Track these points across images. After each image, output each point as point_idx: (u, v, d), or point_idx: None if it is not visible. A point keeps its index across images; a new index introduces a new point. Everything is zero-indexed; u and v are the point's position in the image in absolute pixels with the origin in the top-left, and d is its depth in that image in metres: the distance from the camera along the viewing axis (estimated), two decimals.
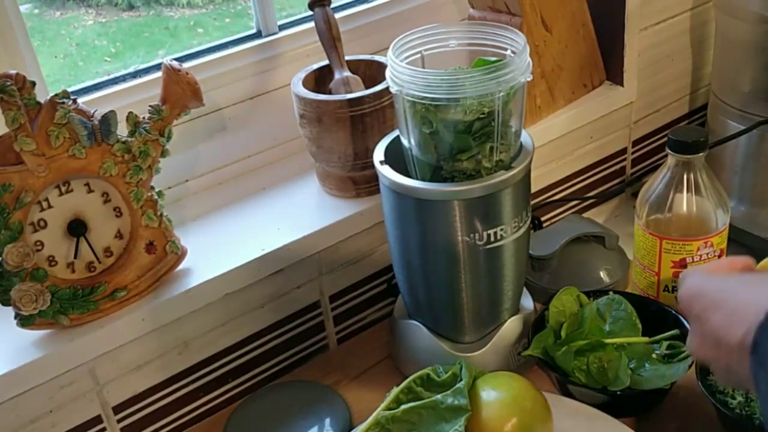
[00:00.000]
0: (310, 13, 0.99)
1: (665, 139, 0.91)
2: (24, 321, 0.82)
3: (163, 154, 0.86)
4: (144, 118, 0.85)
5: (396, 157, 0.85)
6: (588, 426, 0.82)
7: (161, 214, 0.87)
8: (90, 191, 0.83)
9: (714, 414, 0.86)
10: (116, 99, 0.94)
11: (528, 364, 0.92)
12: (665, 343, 0.88)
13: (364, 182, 0.98)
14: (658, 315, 0.91)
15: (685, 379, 0.86)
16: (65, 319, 0.83)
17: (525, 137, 0.85)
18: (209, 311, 0.91)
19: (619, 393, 0.84)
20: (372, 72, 1.00)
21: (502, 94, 0.77)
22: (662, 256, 0.92)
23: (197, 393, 0.96)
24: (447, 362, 0.83)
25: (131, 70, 0.98)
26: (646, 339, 0.88)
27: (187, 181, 1.01)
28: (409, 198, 0.82)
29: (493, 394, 0.78)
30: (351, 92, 0.95)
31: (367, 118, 0.93)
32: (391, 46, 0.81)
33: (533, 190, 1.15)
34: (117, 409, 0.90)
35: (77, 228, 0.83)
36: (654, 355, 0.87)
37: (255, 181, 1.04)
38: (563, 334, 0.89)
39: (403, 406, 0.77)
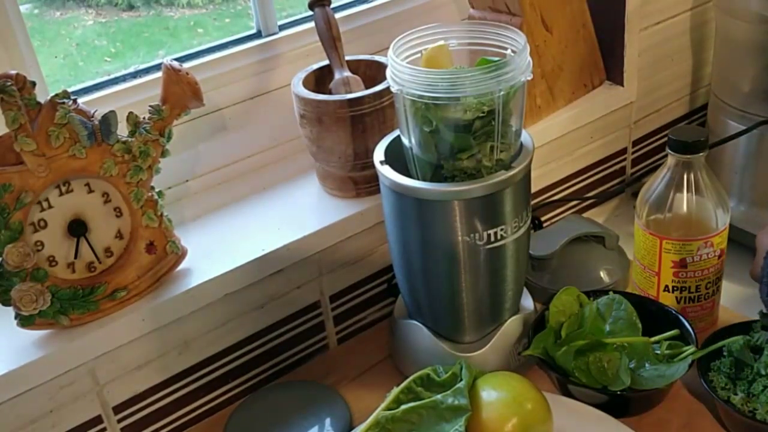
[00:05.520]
0: (310, 13, 0.99)
1: (665, 139, 0.91)
2: (24, 321, 0.82)
3: (164, 154, 0.86)
4: (144, 118, 0.85)
5: (396, 157, 0.85)
6: (588, 426, 0.82)
7: (161, 214, 0.87)
8: (90, 191, 0.83)
9: (714, 413, 0.86)
10: (116, 99, 0.94)
11: (528, 364, 0.92)
12: (665, 343, 0.88)
13: (364, 182, 0.98)
14: (658, 315, 0.91)
15: (686, 379, 0.86)
16: (65, 319, 0.83)
17: (525, 137, 0.85)
18: (209, 311, 0.91)
19: (619, 393, 0.84)
20: (372, 72, 1.00)
21: (502, 93, 0.77)
22: (662, 256, 0.92)
23: (197, 393, 0.96)
24: (447, 362, 0.83)
25: (131, 70, 0.99)
26: (646, 339, 0.88)
27: (187, 181, 1.01)
28: (409, 198, 0.82)
29: (493, 394, 0.78)
30: (351, 92, 0.95)
31: (367, 118, 0.93)
32: (391, 46, 0.81)
33: (533, 190, 1.15)
34: (117, 409, 0.90)
35: (77, 228, 0.83)
36: (654, 355, 0.87)
37: (255, 181, 1.04)
38: (563, 334, 0.89)
39: (403, 406, 0.77)
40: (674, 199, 0.91)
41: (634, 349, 0.87)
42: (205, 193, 1.03)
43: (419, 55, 0.83)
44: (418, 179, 0.83)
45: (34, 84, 0.79)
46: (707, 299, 0.94)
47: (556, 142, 1.13)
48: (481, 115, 0.77)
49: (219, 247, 0.93)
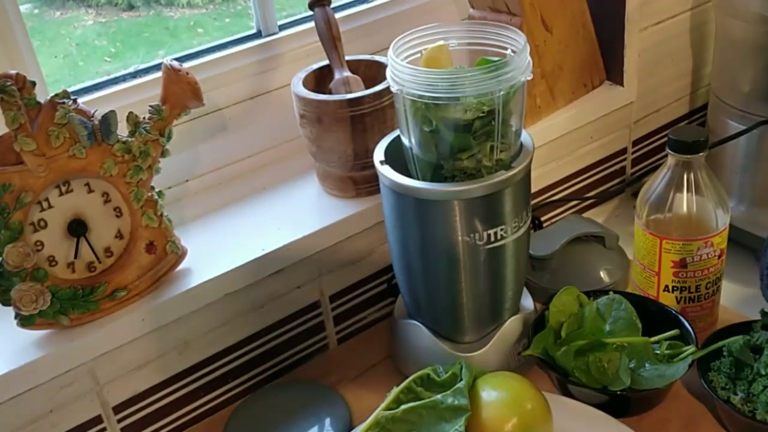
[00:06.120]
0: (310, 13, 0.99)
1: (665, 139, 0.91)
2: (24, 321, 0.82)
3: (164, 154, 0.87)
4: (144, 118, 0.85)
5: (396, 156, 0.85)
6: (588, 426, 0.82)
7: (161, 214, 0.87)
8: (90, 191, 0.83)
9: (714, 413, 0.86)
10: (116, 99, 0.94)
11: (528, 364, 0.92)
12: (665, 343, 0.88)
13: (364, 182, 0.98)
14: (658, 315, 0.91)
15: (686, 379, 0.86)
16: (65, 319, 0.83)
17: (525, 137, 0.85)
18: (209, 311, 0.91)
19: (619, 393, 0.84)
20: (372, 72, 1.00)
21: (502, 93, 0.77)
22: (662, 256, 0.92)
23: (197, 393, 0.96)
24: (447, 362, 0.83)
25: (131, 70, 0.99)
26: (646, 339, 0.88)
27: (187, 181, 1.01)
28: (409, 198, 0.82)
29: (493, 394, 0.78)
30: (351, 92, 0.95)
31: (367, 118, 0.93)
32: (391, 46, 0.81)
33: (533, 190, 1.15)
34: (117, 409, 0.90)
35: (77, 228, 0.83)
36: (654, 355, 0.87)
37: (255, 181, 1.04)
38: (563, 334, 0.89)
39: (403, 406, 0.77)
40: (674, 199, 0.91)
41: (634, 349, 0.87)
42: (205, 193, 1.03)
43: (419, 55, 0.83)
44: (418, 179, 0.83)
45: (34, 84, 0.79)
46: (707, 299, 0.94)
47: (556, 142, 1.13)
48: (481, 115, 0.77)
49: (219, 247, 0.93)
